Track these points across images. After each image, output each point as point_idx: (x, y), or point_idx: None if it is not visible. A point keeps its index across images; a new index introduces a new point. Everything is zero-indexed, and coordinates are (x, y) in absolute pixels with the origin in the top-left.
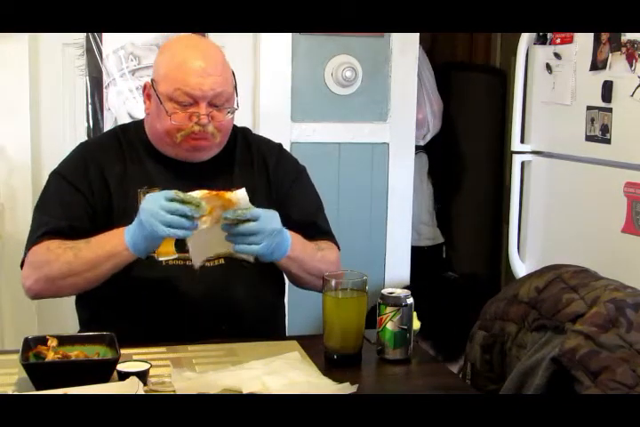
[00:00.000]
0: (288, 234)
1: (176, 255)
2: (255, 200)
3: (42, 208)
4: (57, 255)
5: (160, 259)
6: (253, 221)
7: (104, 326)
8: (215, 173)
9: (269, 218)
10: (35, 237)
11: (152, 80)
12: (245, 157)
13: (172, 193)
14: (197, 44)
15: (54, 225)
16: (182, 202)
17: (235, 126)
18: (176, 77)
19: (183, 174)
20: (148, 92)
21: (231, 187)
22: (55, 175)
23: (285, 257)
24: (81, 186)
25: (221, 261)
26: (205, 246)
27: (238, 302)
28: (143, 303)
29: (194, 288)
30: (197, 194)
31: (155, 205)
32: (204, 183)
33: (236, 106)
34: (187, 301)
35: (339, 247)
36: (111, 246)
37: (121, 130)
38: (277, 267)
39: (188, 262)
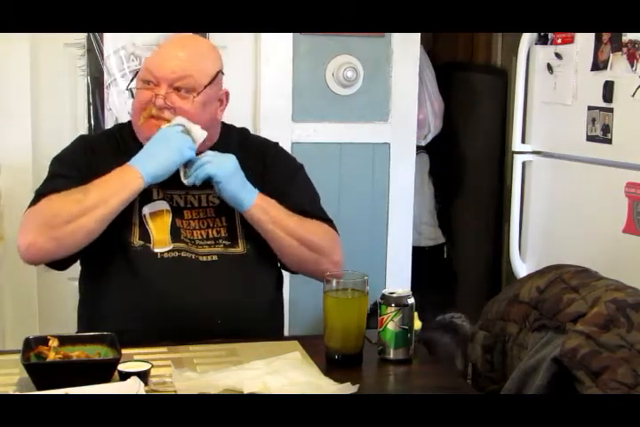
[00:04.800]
0: (253, 189)
1: (171, 246)
2: None
3: (42, 186)
4: (64, 197)
5: (155, 250)
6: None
7: (104, 322)
8: None
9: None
10: (35, 198)
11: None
12: (241, 154)
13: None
14: (183, 39)
15: (55, 186)
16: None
17: (233, 126)
18: (149, 61)
19: None
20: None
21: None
22: (53, 160)
23: (254, 205)
24: (74, 171)
25: (214, 257)
26: None
27: (234, 297)
28: (140, 298)
29: (190, 283)
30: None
31: (178, 141)
32: None
33: (198, 95)
34: (183, 295)
35: (336, 229)
36: (122, 179)
37: (117, 128)
38: (257, 227)
39: (182, 254)
